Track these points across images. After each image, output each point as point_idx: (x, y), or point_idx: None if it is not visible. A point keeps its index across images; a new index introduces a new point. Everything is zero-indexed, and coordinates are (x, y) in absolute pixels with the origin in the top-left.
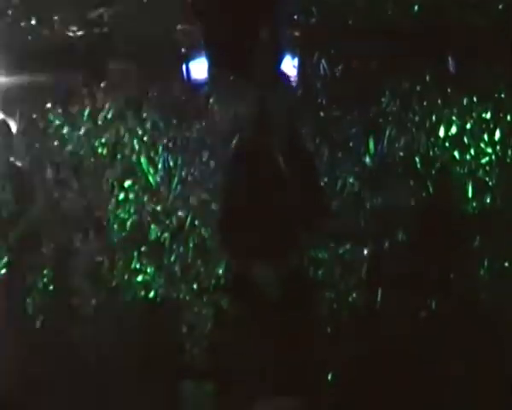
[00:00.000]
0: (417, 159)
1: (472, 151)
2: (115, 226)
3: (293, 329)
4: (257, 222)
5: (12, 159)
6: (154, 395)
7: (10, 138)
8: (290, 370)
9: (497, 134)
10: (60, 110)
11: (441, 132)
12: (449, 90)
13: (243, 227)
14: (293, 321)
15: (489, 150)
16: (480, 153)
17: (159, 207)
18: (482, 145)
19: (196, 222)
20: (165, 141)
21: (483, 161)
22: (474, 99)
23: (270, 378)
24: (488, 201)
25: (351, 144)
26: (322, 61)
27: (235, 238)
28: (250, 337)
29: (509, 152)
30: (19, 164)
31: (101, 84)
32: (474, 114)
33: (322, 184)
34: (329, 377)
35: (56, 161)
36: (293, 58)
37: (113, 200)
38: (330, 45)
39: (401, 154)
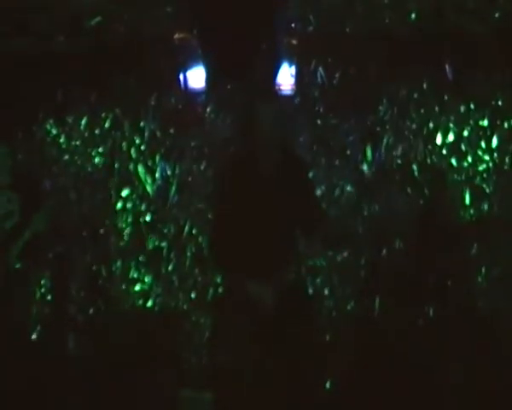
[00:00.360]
0: (415, 166)
1: (469, 158)
2: (113, 236)
3: (291, 340)
4: (251, 235)
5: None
6: (152, 403)
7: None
8: (289, 379)
9: (495, 141)
10: (57, 120)
11: (438, 140)
12: (446, 98)
13: (237, 241)
14: (290, 333)
15: (486, 157)
16: (478, 160)
17: (156, 217)
18: (479, 152)
19: (194, 231)
20: (162, 150)
21: (480, 168)
22: (472, 106)
23: (268, 387)
24: (486, 208)
25: (348, 152)
26: (320, 69)
27: (229, 253)
28: (248, 348)
29: (507, 159)
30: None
31: (99, 94)
32: (471, 122)
33: (317, 193)
34: (328, 386)
35: (54, 171)
36: (290, 66)
37: (111, 209)
38: (328, 53)
39: (399, 161)
